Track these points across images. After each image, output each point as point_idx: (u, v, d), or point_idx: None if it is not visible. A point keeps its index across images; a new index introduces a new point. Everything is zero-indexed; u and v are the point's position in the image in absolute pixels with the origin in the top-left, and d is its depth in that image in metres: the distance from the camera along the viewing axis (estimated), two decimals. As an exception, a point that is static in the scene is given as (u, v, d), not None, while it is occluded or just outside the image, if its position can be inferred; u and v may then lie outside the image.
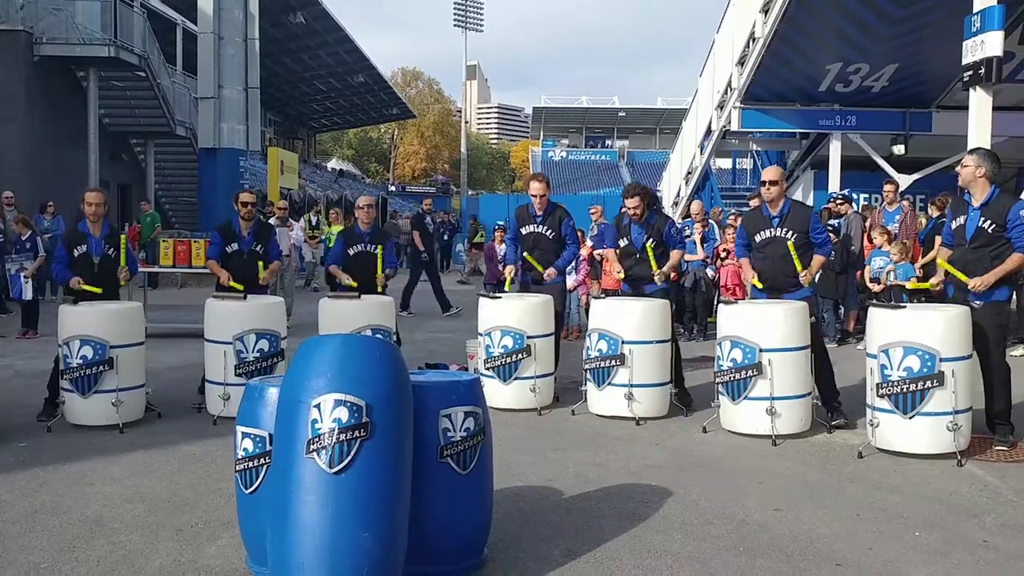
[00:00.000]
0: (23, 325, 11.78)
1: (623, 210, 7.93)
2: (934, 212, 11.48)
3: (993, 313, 6.12)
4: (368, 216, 8.34)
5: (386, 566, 3.45)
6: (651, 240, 7.59)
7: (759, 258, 6.99)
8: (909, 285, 6.60)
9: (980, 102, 11.71)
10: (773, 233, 6.90)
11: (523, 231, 8.15)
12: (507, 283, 8.29)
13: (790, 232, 6.82)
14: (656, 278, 7.49)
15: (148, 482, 5.42)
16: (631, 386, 6.98)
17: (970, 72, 11.67)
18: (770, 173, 7.10)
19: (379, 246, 8.06)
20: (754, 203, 11.71)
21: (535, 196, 8.08)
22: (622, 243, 7.77)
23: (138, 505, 4.97)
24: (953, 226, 6.38)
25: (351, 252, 8.14)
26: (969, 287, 6.06)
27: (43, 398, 7.05)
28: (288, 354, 6.79)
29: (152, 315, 12.86)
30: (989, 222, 6.10)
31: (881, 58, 17.58)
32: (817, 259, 6.85)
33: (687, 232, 11.88)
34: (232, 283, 7.55)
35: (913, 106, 19.46)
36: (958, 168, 6.35)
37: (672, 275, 7.83)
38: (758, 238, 7.00)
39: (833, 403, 6.81)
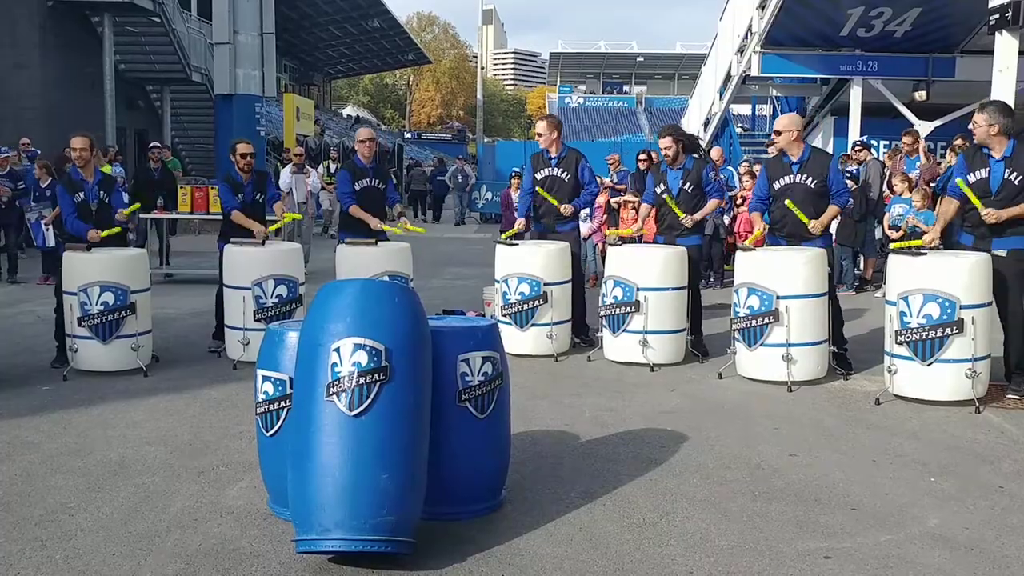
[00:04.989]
0: (43, 271, 11.88)
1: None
2: (952, 159, 11.32)
3: (1015, 261, 6.06)
4: (369, 150, 8.01)
5: (405, 507, 3.50)
6: (689, 184, 7.44)
7: (777, 206, 6.91)
8: (893, 246, 6.46)
9: (1006, 47, 11.46)
10: (793, 179, 6.81)
11: (538, 176, 7.95)
12: (512, 232, 8.04)
13: (809, 178, 6.74)
14: (684, 222, 7.36)
15: (169, 425, 5.50)
16: (646, 332, 7.00)
17: (996, 15, 11.42)
18: (778, 123, 7.04)
19: (383, 182, 8.02)
20: (772, 150, 11.63)
21: (539, 135, 7.95)
22: (658, 189, 7.58)
23: (160, 448, 5.04)
24: (972, 179, 6.16)
25: (357, 187, 7.92)
26: (988, 217, 5.93)
27: (55, 345, 7.11)
28: (306, 301, 6.82)
29: (171, 261, 12.99)
30: (1015, 174, 5.97)
31: (904, 1, 17.24)
32: (830, 209, 6.71)
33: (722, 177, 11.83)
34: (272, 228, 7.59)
35: (936, 51, 19.11)
36: (972, 127, 6.14)
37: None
38: (777, 184, 6.90)
39: (839, 350, 6.78)
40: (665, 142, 7.51)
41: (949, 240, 6.56)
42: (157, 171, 13.94)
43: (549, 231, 7.90)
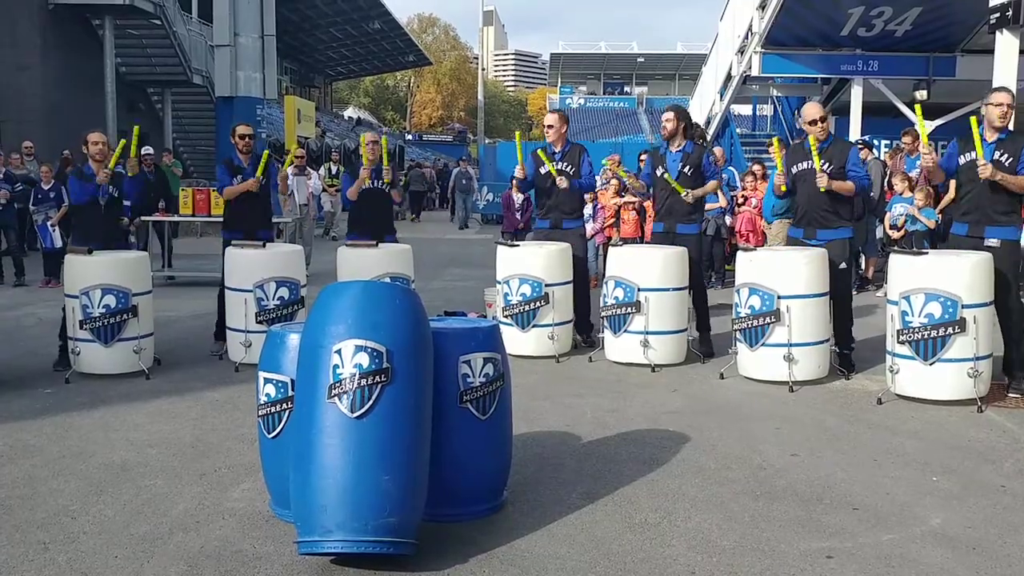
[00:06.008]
0: (46, 274, 11.89)
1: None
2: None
3: (1009, 252, 6.08)
4: (373, 153, 8.02)
5: (407, 509, 3.50)
6: (689, 168, 7.40)
7: (798, 193, 6.88)
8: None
9: (1006, 45, 11.47)
10: (809, 165, 6.75)
11: (542, 171, 7.92)
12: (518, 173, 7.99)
13: (827, 165, 6.67)
14: (685, 198, 7.31)
15: (172, 428, 5.50)
16: (646, 333, 6.99)
17: (997, 14, 11.43)
18: (813, 111, 6.94)
19: (390, 185, 8.00)
20: (770, 149, 11.63)
21: (549, 127, 7.95)
22: (658, 172, 7.57)
23: (162, 450, 5.05)
24: (961, 161, 6.25)
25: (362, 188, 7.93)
26: (983, 172, 5.95)
27: (58, 347, 7.10)
28: (308, 302, 6.83)
29: (172, 264, 13.00)
30: (1006, 155, 6.03)
31: (905, 1, 17.24)
32: (847, 183, 6.63)
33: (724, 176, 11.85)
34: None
35: (937, 50, 19.11)
36: (994, 106, 6.09)
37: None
38: (795, 169, 6.87)
39: (844, 350, 6.78)
40: (667, 115, 7.55)
41: (947, 231, 6.59)
42: (151, 174, 13.97)
43: (556, 227, 7.88)
